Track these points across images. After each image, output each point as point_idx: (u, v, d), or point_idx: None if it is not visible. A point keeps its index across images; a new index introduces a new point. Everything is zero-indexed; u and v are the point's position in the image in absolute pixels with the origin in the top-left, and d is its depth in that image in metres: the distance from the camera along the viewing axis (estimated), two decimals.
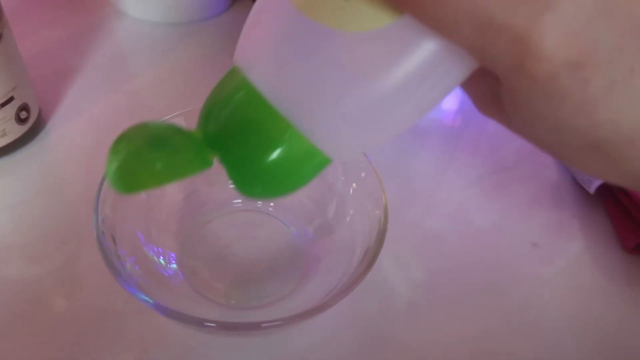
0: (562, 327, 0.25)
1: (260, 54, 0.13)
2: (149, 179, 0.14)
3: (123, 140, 0.14)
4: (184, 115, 0.23)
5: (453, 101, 0.38)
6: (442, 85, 0.13)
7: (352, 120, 0.13)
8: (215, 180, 0.27)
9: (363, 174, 0.22)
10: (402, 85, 0.12)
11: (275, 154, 0.14)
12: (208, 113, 0.15)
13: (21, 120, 0.28)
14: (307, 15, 0.12)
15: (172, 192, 0.25)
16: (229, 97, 0.14)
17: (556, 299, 0.26)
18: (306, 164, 0.15)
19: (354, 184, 0.23)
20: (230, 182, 0.16)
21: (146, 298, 0.18)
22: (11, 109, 0.27)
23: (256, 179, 0.15)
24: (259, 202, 0.27)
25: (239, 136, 0.14)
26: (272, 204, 0.26)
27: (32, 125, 0.29)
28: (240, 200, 0.27)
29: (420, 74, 0.12)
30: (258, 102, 0.14)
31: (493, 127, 0.36)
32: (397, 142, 0.34)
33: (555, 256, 0.28)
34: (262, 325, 0.19)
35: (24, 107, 0.28)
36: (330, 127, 0.13)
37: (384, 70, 0.12)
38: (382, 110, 0.13)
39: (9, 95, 0.27)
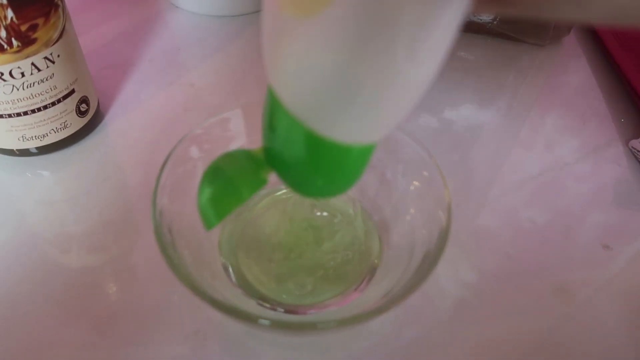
0: (624, 334, 0.23)
1: (268, 64, 0.14)
2: (218, 212, 0.17)
3: (202, 181, 0.17)
4: (242, 107, 0.23)
5: (509, 96, 0.37)
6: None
7: (370, 109, 0.13)
8: (270, 175, 0.26)
9: (425, 173, 0.21)
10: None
11: (311, 165, 0.15)
12: (262, 132, 0.16)
13: (81, 113, 0.29)
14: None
15: None
16: (265, 116, 0.15)
17: (624, 303, 0.24)
18: (347, 160, 0.15)
19: (415, 182, 0.22)
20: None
21: (202, 292, 0.18)
22: (72, 101, 0.28)
23: (311, 189, 0.17)
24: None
25: (281, 152, 0.15)
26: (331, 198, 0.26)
27: (92, 117, 0.30)
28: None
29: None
30: (284, 116, 0.14)
31: (551, 121, 0.34)
32: (450, 137, 0.32)
33: (627, 258, 0.26)
34: (318, 325, 0.18)
35: (84, 100, 0.29)
36: (349, 124, 0.13)
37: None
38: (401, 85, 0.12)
39: (71, 88, 0.27)
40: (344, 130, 0.13)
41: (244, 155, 0.17)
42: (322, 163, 0.15)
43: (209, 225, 0.17)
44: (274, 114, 0.15)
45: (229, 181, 0.17)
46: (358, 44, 0.11)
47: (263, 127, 0.16)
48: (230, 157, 0.17)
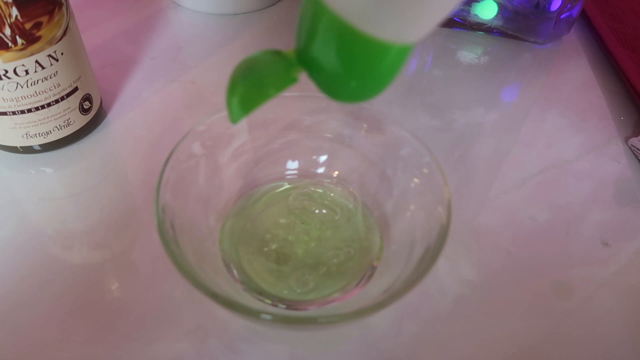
0: (624, 330, 0.23)
1: None
2: (244, 108, 0.17)
3: (232, 76, 0.17)
4: None
5: (509, 94, 0.37)
6: None
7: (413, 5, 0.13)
8: (272, 172, 0.27)
9: (426, 170, 0.21)
10: None
11: (346, 63, 0.15)
12: (296, 33, 0.16)
13: (84, 110, 0.29)
14: None
15: (230, 180, 0.25)
16: (303, 15, 0.15)
17: (623, 300, 0.24)
18: (383, 60, 0.15)
19: (415, 179, 0.22)
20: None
21: (205, 287, 0.18)
22: (75, 99, 0.28)
23: (343, 90, 0.16)
24: (317, 188, 0.26)
25: (317, 51, 0.15)
26: (332, 194, 0.26)
27: (95, 115, 0.30)
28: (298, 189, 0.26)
29: None
30: (323, 12, 0.14)
31: (551, 119, 0.34)
32: (451, 135, 0.32)
33: (627, 255, 0.27)
34: (319, 319, 0.18)
35: (87, 98, 0.29)
36: (394, 18, 0.13)
37: None
38: None
39: (74, 86, 0.28)
40: (384, 25, 0.14)
41: (274, 55, 0.17)
42: (358, 61, 0.15)
43: (234, 119, 0.17)
44: (311, 10, 0.15)
45: (258, 78, 0.17)
46: None
47: (298, 26, 0.16)
48: (263, 55, 0.17)
